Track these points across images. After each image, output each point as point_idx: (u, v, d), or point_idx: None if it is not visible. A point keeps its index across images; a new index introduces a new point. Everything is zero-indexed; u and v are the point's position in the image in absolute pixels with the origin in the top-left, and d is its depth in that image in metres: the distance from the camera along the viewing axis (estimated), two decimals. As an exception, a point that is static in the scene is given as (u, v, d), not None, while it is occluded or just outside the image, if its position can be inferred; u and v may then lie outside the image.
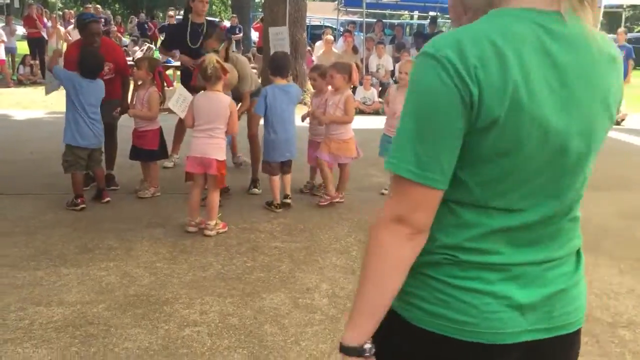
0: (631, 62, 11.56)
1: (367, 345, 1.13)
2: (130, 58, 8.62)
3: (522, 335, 1.12)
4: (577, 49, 1.04)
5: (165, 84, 5.42)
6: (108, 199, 5.05)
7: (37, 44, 14.40)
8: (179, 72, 11.67)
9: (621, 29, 12.15)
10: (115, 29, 16.85)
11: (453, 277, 1.11)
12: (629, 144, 8.80)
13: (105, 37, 6.04)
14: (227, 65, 4.59)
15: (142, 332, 3.00)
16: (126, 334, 2.97)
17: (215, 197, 4.40)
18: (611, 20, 17.62)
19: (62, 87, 5.28)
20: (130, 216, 4.76)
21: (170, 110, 5.47)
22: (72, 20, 15.62)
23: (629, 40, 13.48)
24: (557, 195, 1.11)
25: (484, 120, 1.01)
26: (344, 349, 1.14)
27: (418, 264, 1.11)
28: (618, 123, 10.48)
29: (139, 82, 5.30)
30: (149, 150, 5.18)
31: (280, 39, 8.56)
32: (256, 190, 5.48)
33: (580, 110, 1.06)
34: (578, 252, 1.23)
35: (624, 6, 17.31)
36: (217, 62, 4.33)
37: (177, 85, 10.05)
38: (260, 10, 17.91)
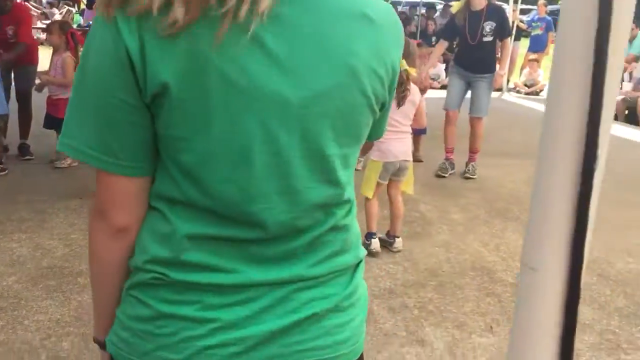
0: (552, 35, 12.00)
1: None
2: (48, 21, 8.24)
3: None
4: (301, 2, 0.79)
5: (79, 47, 5.22)
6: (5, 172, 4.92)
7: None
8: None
9: (542, 1, 12.54)
10: (34, -11, 16.01)
11: (164, 302, 0.86)
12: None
13: (19, 3, 5.81)
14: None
15: (54, 304, 2.95)
16: (37, 306, 2.92)
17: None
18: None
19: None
20: (46, 187, 4.63)
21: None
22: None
23: (553, 13, 13.97)
24: (292, 194, 0.85)
25: (153, 86, 0.77)
26: (96, 341, 1.00)
27: (128, 284, 0.91)
28: (537, 93, 10.93)
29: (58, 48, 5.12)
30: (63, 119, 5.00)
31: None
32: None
33: (304, 77, 0.79)
34: (355, 271, 0.98)
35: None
36: None
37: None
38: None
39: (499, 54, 5.64)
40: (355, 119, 0.86)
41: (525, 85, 11.16)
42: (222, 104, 0.77)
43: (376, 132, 1.00)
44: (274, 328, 0.87)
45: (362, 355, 1.00)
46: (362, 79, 0.83)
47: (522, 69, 11.74)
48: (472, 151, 5.45)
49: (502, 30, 5.28)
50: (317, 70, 0.80)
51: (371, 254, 3.61)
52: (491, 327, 2.91)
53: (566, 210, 0.37)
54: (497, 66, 5.50)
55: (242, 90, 0.77)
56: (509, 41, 5.61)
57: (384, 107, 0.93)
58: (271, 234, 0.85)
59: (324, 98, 0.81)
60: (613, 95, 0.36)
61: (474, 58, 5.26)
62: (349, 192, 0.92)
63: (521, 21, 11.88)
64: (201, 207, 0.83)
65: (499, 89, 10.42)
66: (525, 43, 12.13)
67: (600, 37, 0.33)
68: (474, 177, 5.37)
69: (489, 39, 5.18)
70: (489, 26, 5.13)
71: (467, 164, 5.45)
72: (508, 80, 11.03)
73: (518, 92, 11.00)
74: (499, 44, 5.48)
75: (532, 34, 11.85)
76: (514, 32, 10.87)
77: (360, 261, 0.99)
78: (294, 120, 0.80)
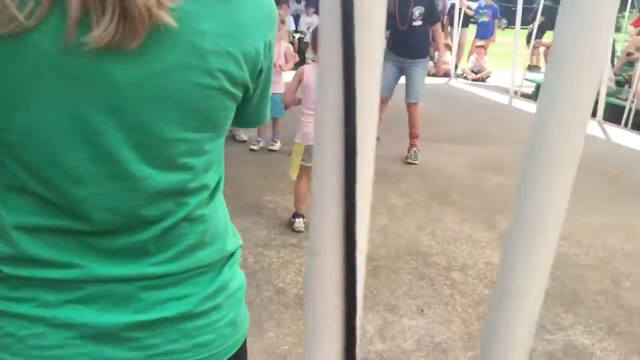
0: (497, 22, 12.23)
1: None
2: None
3: None
4: None
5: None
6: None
7: None
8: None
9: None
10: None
11: (0, 300, 0.80)
12: (491, 100, 9.37)
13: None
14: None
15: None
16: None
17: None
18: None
19: None
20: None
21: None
22: None
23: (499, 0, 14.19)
24: (127, 180, 0.78)
25: None
26: None
27: None
28: (484, 80, 11.13)
29: None
30: None
31: None
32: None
33: (138, 56, 0.72)
34: (224, 266, 0.91)
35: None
36: None
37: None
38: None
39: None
40: (204, 101, 0.78)
41: (473, 71, 11.35)
42: (37, 82, 0.71)
43: (256, 117, 0.95)
44: (119, 327, 0.81)
45: (241, 352, 0.95)
46: (209, 59, 0.76)
47: (469, 55, 11.92)
48: (412, 137, 5.54)
49: (430, 15, 5.48)
50: (155, 49, 0.72)
51: (295, 231, 3.83)
52: (422, 309, 2.97)
53: (337, 195, 0.37)
54: (437, 53, 5.59)
55: (59, 69, 0.70)
56: (439, 27, 5.77)
57: (248, 91, 0.85)
58: (102, 223, 0.79)
59: (161, 78, 0.74)
60: (371, 76, 0.36)
61: (406, 44, 5.40)
62: (206, 179, 0.85)
63: (469, 8, 12.05)
64: (34, 194, 0.77)
65: (446, 75, 10.57)
66: (472, 29, 12.32)
67: (345, 31, 0.32)
68: (415, 162, 5.45)
69: (418, 23, 5.39)
70: (418, 11, 5.36)
71: (408, 150, 5.52)
72: (456, 67, 11.20)
73: (465, 78, 11.18)
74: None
75: (479, 20, 12.04)
76: (461, 19, 11.05)
77: (231, 254, 0.93)
78: (123, 101, 0.73)
